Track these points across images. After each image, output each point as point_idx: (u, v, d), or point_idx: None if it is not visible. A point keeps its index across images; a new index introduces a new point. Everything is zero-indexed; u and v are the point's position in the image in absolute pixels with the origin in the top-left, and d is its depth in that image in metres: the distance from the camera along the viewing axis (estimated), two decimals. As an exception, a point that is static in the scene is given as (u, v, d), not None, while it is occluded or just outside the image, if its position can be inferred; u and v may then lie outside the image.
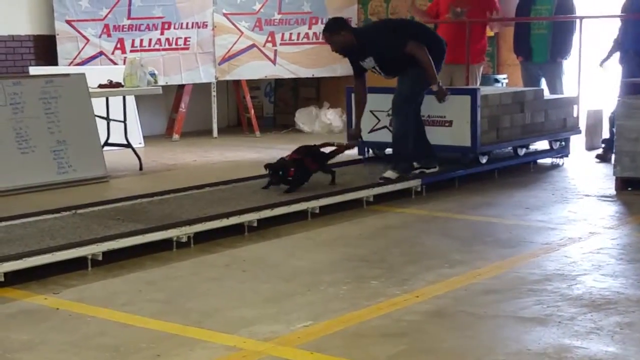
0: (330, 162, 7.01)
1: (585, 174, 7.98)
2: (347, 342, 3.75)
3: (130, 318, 4.11)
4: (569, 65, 9.37)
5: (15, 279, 4.67)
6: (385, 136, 7.67)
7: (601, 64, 8.79)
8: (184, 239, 5.42)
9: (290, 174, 6.53)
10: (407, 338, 3.79)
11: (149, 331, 3.92)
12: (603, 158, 8.50)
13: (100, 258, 5.00)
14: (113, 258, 5.07)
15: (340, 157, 8.19)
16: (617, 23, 8.90)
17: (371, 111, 7.74)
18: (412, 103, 7.00)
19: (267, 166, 6.58)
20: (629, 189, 7.00)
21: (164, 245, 5.36)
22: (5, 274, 4.62)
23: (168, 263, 5.12)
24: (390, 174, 6.85)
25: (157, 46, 10.76)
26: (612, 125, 7.91)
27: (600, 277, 4.66)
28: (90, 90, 8.07)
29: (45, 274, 4.78)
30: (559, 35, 9.27)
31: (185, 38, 10.92)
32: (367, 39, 6.93)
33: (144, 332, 3.92)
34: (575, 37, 9.02)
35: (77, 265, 4.93)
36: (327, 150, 7.01)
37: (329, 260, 5.16)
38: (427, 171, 7.16)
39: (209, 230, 5.59)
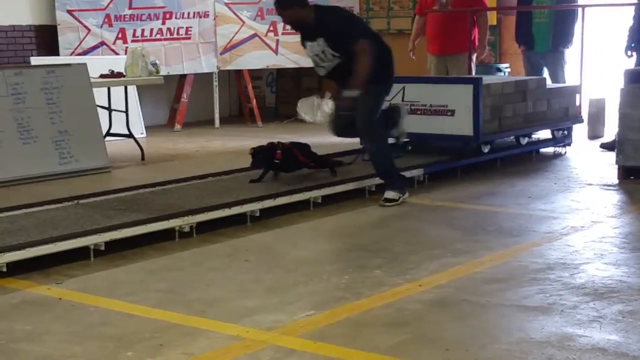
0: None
1: (587, 163, 7.97)
2: (349, 331, 3.76)
3: (133, 308, 4.11)
4: (571, 54, 9.36)
5: (18, 269, 4.67)
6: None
7: (626, 53, 8.65)
8: (187, 229, 5.43)
9: (278, 156, 6.42)
10: (409, 327, 3.79)
11: (151, 321, 3.93)
12: (609, 147, 8.47)
13: (102, 248, 5.00)
14: (115, 248, 5.07)
15: (342, 147, 8.20)
16: (627, 11, 8.85)
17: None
18: (376, 118, 6.40)
19: (253, 149, 6.45)
20: (632, 177, 6.99)
21: (167, 235, 5.36)
22: (8, 264, 4.62)
23: (170, 253, 5.12)
24: (391, 194, 6.31)
25: (158, 36, 10.74)
26: None
27: (603, 266, 4.66)
28: (92, 80, 8.06)
29: (47, 264, 4.78)
30: (561, 24, 9.25)
31: (187, 28, 10.90)
32: (322, 20, 6.33)
33: (147, 322, 3.92)
34: (577, 26, 9.01)
35: (79, 255, 4.93)
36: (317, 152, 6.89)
37: (332, 250, 5.16)
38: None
39: (211, 220, 5.59)
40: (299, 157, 6.59)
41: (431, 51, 9.40)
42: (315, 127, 11.14)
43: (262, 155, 6.41)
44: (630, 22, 8.65)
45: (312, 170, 6.72)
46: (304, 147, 6.73)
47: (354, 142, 8.18)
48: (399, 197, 6.30)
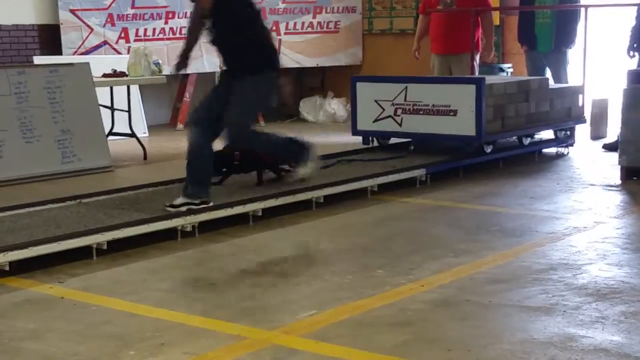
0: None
1: (590, 164, 7.97)
2: (352, 331, 3.75)
3: (135, 307, 4.11)
4: (573, 54, 9.35)
5: (21, 268, 4.67)
6: (390, 126, 7.67)
7: (628, 54, 8.64)
8: (189, 229, 5.43)
9: (236, 158, 6.24)
10: (412, 327, 3.79)
11: (154, 320, 3.93)
12: (611, 147, 8.46)
13: (105, 247, 5.00)
14: (118, 247, 5.08)
15: (344, 147, 8.21)
16: (629, 11, 8.84)
17: (376, 100, 7.73)
18: (250, 126, 5.88)
19: None
20: (634, 178, 6.98)
21: (169, 235, 5.36)
22: (11, 263, 4.62)
23: (173, 252, 5.13)
24: (181, 200, 5.66)
25: (161, 35, 10.74)
26: None
27: (606, 267, 4.65)
28: (95, 79, 8.06)
29: (50, 263, 4.78)
30: (563, 24, 9.25)
31: (189, 27, 10.88)
32: None
33: (149, 321, 3.92)
34: (580, 26, 9.01)
35: (82, 254, 4.93)
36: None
37: (334, 250, 5.16)
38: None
39: (213, 219, 5.59)
40: (263, 157, 6.32)
41: (434, 51, 9.40)
42: (318, 127, 11.17)
43: (219, 161, 6.16)
44: (632, 22, 8.64)
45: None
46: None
47: (356, 140, 8.20)
48: (189, 203, 5.62)
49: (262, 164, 6.38)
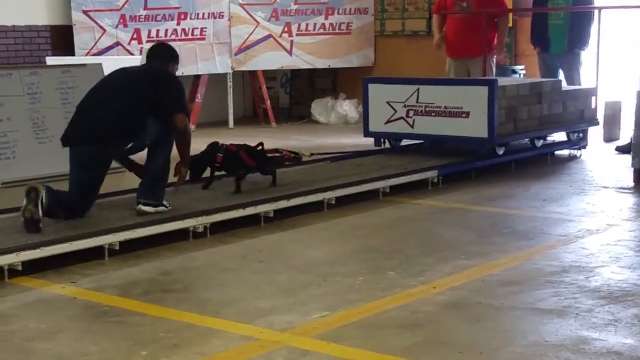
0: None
1: (603, 166, 7.93)
2: (363, 332, 3.75)
3: (147, 307, 4.12)
4: (586, 56, 9.32)
5: (33, 268, 4.69)
6: (402, 127, 7.66)
7: None
8: (201, 229, 5.43)
9: (218, 160, 6.08)
10: (423, 329, 3.78)
11: (165, 321, 3.93)
12: (624, 150, 8.42)
13: (117, 248, 5.01)
14: (130, 248, 5.09)
15: (356, 148, 8.20)
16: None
17: (387, 102, 7.73)
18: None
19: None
20: (647, 180, 6.95)
21: (181, 235, 5.37)
22: (23, 263, 4.64)
23: (184, 253, 5.13)
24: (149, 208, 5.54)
25: (173, 36, 10.75)
26: None
27: (618, 269, 4.63)
28: (107, 80, 8.07)
29: (62, 263, 4.80)
30: (577, 26, 9.22)
31: (202, 28, 10.91)
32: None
33: (161, 321, 3.93)
34: (593, 28, 8.98)
35: (94, 254, 4.95)
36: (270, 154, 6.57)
37: (345, 251, 5.15)
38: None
39: (225, 220, 5.59)
40: (247, 162, 6.17)
41: (452, 54, 9.40)
42: (329, 128, 11.17)
43: (201, 165, 6.09)
44: None
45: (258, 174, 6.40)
46: (254, 151, 6.30)
47: (368, 141, 8.20)
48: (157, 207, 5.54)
49: (245, 167, 6.19)
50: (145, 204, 5.48)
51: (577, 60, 9.33)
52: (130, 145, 5.46)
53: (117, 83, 5.62)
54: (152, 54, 5.79)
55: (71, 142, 5.48)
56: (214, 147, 6.20)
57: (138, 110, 5.39)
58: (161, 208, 5.52)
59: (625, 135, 8.73)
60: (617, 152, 8.53)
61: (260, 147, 6.41)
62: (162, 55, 5.76)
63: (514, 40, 10.93)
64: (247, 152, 6.25)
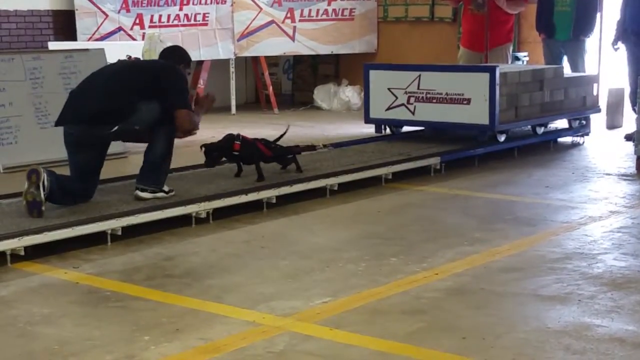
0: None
1: (605, 153, 7.92)
2: (366, 318, 3.76)
3: (150, 293, 4.12)
4: (591, 43, 9.31)
5: (36, 253, 4.70)
6: (403, 114, 7.65)
7: (613, 46, 8.73)
8: (203, 215, 5.44)
9: (236, 147, 6.06)
10: (426, 315, 3.78)
11: (168, 306, 3.94)
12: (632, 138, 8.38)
13: (119, 233, 5.02)
14: (132, 233, 5.09)
15: (358, 134, 8.19)
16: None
17: (389, 89, 7.71)
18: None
19: (204, 145, 6.05)
20: (650, 168, 6.94)
21: (183, 221, 5.37)
22: (26, 248, 4.65)
23: (187, 239, 5.14)
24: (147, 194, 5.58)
25: (175, 22, 10.73)
26: None
27: (621, 256, 4.63)
28: (109, 65, 8.07)
29: (65, 248, 4.81)
30: (583, 13, 9.19)
31: (204, 14, 10.89)
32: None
33: (164, 307, 3.93)
34: (598, 15, 8.96)
35: (96, 240, 4.95)
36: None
37: (348, 237, 5.15)
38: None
39: (228, 206, 5.59)
40: (263, 151, 6.17)
41: (467, 46, 9.42)
42: (332, 114, 11.15)
43: (217, 153, 6.09)
44: (618, 15, 8.69)
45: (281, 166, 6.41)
46: (269, 144, 6.30)
47: (370, 128, 8.20)
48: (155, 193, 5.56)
49: (262, 156, 6.21)
50: (142, 190, 5.51)
51: (582, 48, 9.31)
52: (116, 127, 5.45)
53: (112, 70, 5.75)
54: (166, 53, 5.94)
55: (62, 122, 5.55)
56: (231, 136, 6.19)
57: (127, 94, 5.42)
58: (160, 194, 5.53)
59: (630, 123, 8.71)
60: (625, 139, 8.49)
61: (285, 133, 6.52)
62: (176, 55, 5.92)
63: (518, 26, 10.89)
64: (263, 143, 6.24)
